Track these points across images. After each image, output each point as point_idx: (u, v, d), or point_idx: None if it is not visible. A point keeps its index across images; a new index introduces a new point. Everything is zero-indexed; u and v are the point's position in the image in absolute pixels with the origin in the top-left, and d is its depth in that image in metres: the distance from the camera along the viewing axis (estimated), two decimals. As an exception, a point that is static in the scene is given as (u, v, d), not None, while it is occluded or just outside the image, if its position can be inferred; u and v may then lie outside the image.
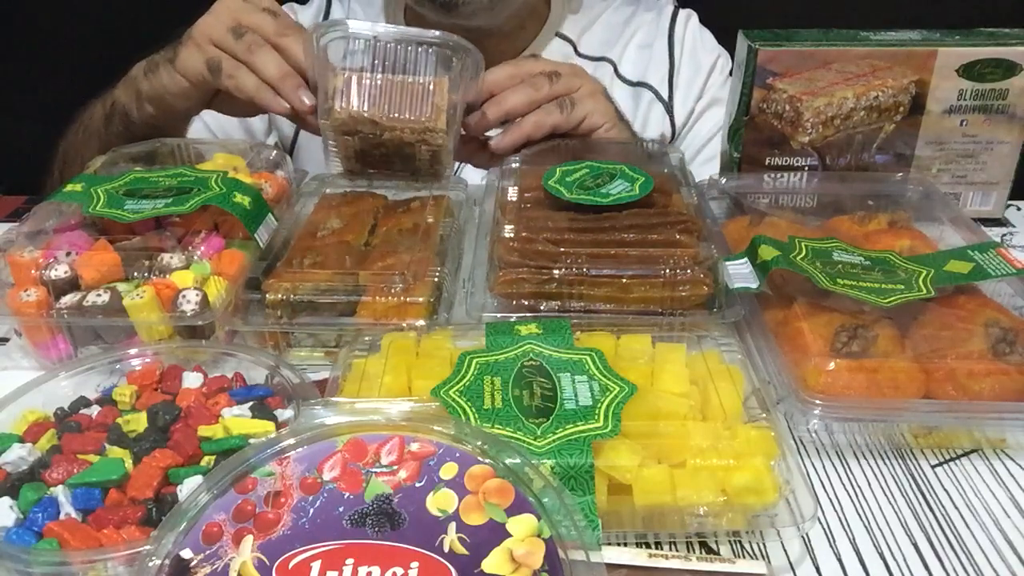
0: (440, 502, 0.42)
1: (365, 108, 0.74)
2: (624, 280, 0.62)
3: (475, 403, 0.50)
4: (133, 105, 0.86)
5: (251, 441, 0.50)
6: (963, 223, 0.73)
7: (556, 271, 0.62)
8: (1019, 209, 0.90)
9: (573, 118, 0.79)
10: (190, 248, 0.66)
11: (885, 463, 0.56)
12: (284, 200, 0.78)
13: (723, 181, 0.82)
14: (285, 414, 0.54)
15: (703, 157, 1.06)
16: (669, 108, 1.06)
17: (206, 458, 0.50)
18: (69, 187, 0.72)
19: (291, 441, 0.45)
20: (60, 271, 0.63)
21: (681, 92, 1.06)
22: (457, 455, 0.44)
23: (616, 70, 1.06)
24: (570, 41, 1.05)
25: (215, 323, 0.62)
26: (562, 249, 0.64)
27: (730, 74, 1.08)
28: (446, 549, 0.40)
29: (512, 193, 0.73)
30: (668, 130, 1.07)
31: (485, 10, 0.94)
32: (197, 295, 0.61)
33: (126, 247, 0.66)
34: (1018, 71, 0.78)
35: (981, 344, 0.57)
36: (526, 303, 0.62)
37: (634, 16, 1.08)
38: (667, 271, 0.62)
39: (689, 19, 1.10)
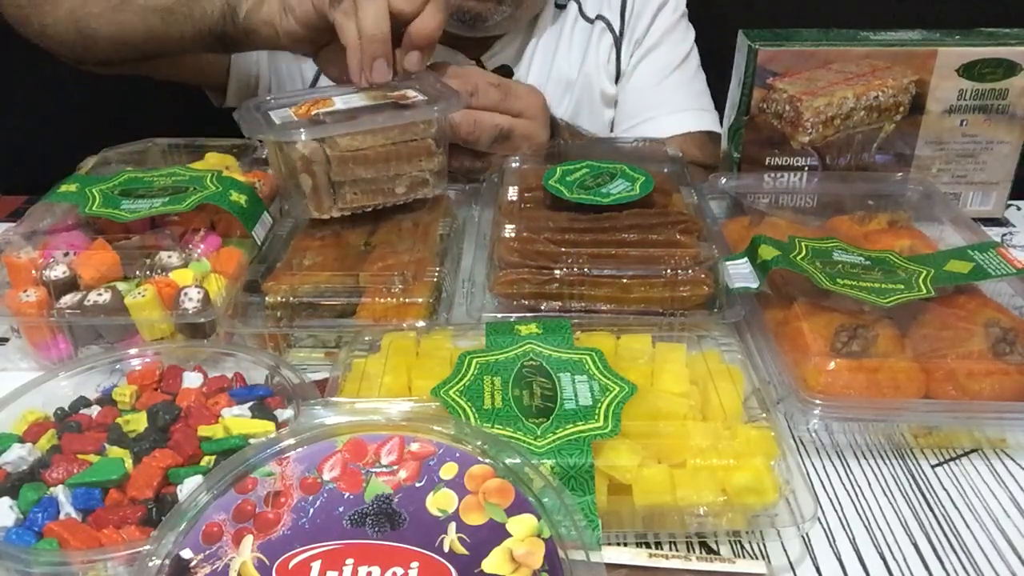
0: (440, 502, 0.42)
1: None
2: (625, 280, 0.62)
3: (475, 403, 0.50)
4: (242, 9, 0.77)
5: (251, 441, 0.50)
6: (963, 223, 0.73)
7: (557, 271, 0.62)
8: (1019, 209, 0.90)
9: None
10: (190, 247, 0.66)
11: (885, 463, 0.56)
12: (277, 198, 0.78)
13: (723, 181, 0.82)
14: (285, 414, 0.54)
15: (653, 101, 1.06)
16: (618, 42, 1.07)
17: (206, 458, 0.50)
18: (63, 188, 0.72)
19: (291, 441, 0.45)
20: (59, 271, 0.63)
21: (631, 25, 1.08)
22: (457, 455, 0.44)
23: (580, 9, 1.07)
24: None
25: (216, 321, 0.62)
26: (563, 249, 0.64)
27: (683, 16, 1.09)
28: (446, 549, 0.40)
29: (512, 193, 0.73)
30: (614, 62, 1.07)
31: (506, 21, 0.96)
32: (199, 293, 0.61)
33: (124, 247, 0.66)
34: (1018, 71, 0.78)
35: (981, 344, 0.57)
36: (527, 303, 0.62)
37: None
38: (668, 271, 0.62)
39: None
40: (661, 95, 1.07)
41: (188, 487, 0.47)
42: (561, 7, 1.06)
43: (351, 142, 0.67)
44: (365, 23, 0.68)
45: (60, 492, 0.48)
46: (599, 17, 1.07)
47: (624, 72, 1.08)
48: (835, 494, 0.53)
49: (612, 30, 1.07)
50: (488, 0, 0.92)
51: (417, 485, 0.43)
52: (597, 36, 1.07)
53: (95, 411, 0.55)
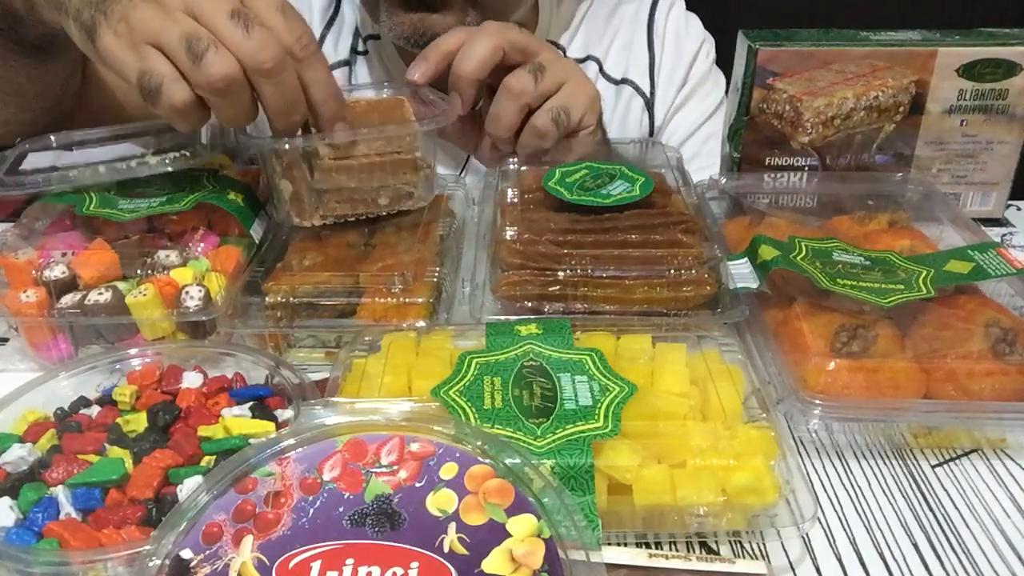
0: (440, 502, 0.42)
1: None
2: (628, 281, 0.62)
3: (475, 403, 0.50)
4: (20, 4, 0.67)
5: (251, 441, 0.50)
6: (963, 223, 0.73)
7: (560, 273, 0.62)
8: (1019, 209, 0.90)
9: (570, 126, 0.76)
10: (188, 246, 0.66)
11: (885, 463, 0.56)
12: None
13: (723, 181, 0.82)
14: (285, 414, 0.54)
15: (685, 153, 1.01)
16: (650, 103, 1.04)
17: (206, 458, 0.50)
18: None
19: (291, 441, 0.45)
20: (58, 271, 0.63)
21: (663, 84, 1.04)
22: (457, 455, 0.44)
23: (601, 68, 1.03)
24: (560, 47, 1.03)
25: (217, 320, 0.62)
26: (565, 251, 0.64)
27: (715, 61, 1.06)
28: (446, 549, 0.40)
29: (511, 194, 0.73)
30: (647, 126, 1.04)
31: None
32: (200, 291, 0.61)
33: (122, 246, 0.66)
34: (1018, 71, 0.78)
35: (981, 344, 0.57)
36: (530, 305, 0.62)
37: (616, 10, 1.05)
38: (671, 271, 0.62)
39: (672, 7, 1.06)
40: (693, 147, 1.04)
41: (188, 487, 0.47)
42: (579, 62, 1.01)
43: (333, 150, 0.65)
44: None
45: (60, 492, 0.48)
46: (625, 80, 1.03)
47: (657, 128, 1.05)
48: (835, 494, 0.53)
49: (642, 93, 1.03)
50: (444, 13, 0.84)
51: (417, 485, 0.43)
52: (626, 101, 1.03)
53: (95, 411, 0.55)
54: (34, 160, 0.71)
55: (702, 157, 1.02)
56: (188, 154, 0.67)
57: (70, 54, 0.80)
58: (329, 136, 0.64)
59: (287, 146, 0.64)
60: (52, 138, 0.74)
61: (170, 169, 0.67)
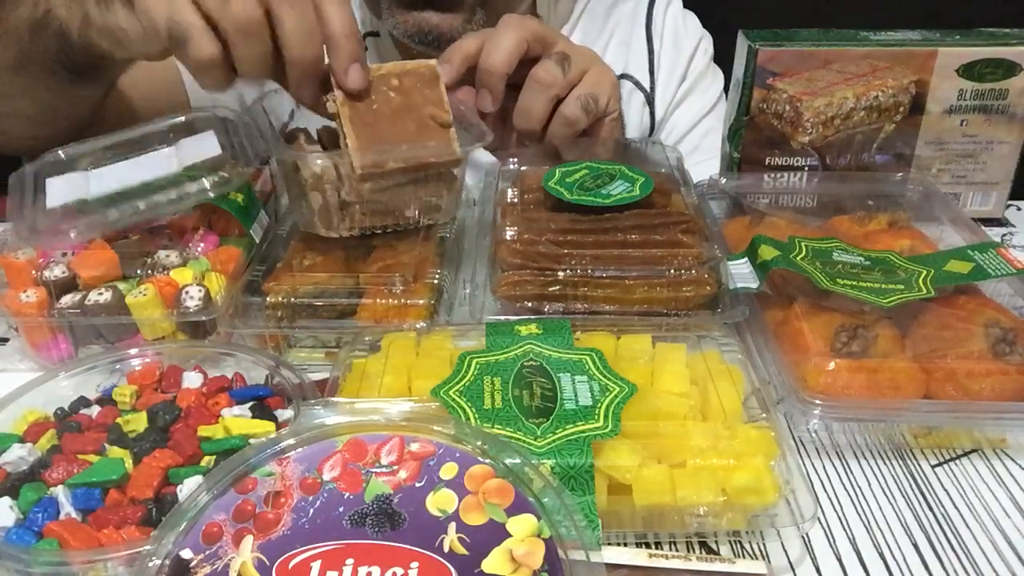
0: (440, 502, 0.42)
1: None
2: (628, 281, 0.62)
3: (475, 403, 0.50)
4: (75, 25, 0.65)
5: (251, 441, 0.50)
6: (963, 223, 0.73)
7: (560, 273, 0.62)
8: (1019, 209, 0.90)
9: (598, 112, 0.76)
10: (189, 246, 0.66)
11: (885, 463, 0.56)
12: (273, 196, 0.78)
13: (723, 181, 0.82)
14: (285, 414, 0.54)
15: (685, 148, 1.03)
16: (650, 98, 1.04)
17: (206, 458, 0.50)
18: None
19: (291, 441, 0.45)
20: (58, 271, 0.63)
21: (663, 79, 1.04)
22: (457, 455, 0.44)
23: None
24: None
25: (217, 320, 0.62)
26: (565, 251, 0.64)
27: (711, 57, 1.06)
28: (446, 549, 0.40)
29: (512, 194, 0.73)
30: (647, 121, 1.05)
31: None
32: (200, 291, 0.61)
33: (122, 246, 0.66)
34: (1018, 71, 0.78)
35: (981, 344, 0.57)
36: (529, 305, 0.62)
37: (614, 8, 1.05)
38: (671, 271, 0.62)
39: (669, 4, 1.06)
40: (693, 141, 1.04)
41: (188, 487, 0.47)
42: None
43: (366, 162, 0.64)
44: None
45: (60, 492, 0.48)
46: (625, 76, 1.03)
47: (658, 124, 1.05)
48: (835, 494, 0.53)
49: (642, 88, 1.03)
50: (453, 14, 0.84)
51: (417, 485, 0.43)
52: (627, 96, 1.02)
53: (95, 411, 0.55)
54: (58, 188, 0.67)
55: (702, 151, 1.03)
56: (227, 175, 0.66)
57: (107, 82, 0.81)
58: (365, 154, 0.62)
59: (319, 161, 0.63)
60: (61, 153, 0.70)
61: (211, 195, 0.65)
